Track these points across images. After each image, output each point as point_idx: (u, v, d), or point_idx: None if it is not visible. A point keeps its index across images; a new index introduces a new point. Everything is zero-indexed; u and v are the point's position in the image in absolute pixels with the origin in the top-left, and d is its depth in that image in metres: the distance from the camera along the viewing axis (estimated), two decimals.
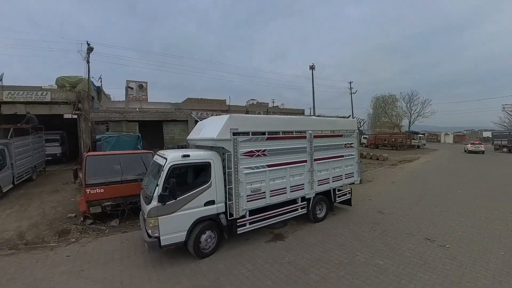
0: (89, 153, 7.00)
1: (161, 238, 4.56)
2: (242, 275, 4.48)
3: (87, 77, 13.53)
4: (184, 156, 4.92)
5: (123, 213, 7.02)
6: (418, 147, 36.37)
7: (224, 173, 5.28)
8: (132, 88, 19.41)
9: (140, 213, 6.07)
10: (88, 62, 13.30)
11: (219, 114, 18.68)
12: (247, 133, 5.44)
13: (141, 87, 20.16)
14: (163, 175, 4.62)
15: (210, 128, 5.62)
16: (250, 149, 5.44)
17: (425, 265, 4.82)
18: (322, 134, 7.15)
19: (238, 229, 5.41)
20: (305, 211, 6.71)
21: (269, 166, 5.75)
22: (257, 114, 19.34)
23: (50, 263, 5.00)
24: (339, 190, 7.65)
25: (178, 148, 15.46)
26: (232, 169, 5.15)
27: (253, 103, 34.73)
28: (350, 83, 36.59)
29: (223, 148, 5.30)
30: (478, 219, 7.33)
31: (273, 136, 5.90)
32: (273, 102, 35.49)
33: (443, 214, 7.83)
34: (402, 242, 5.81)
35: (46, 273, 4.62)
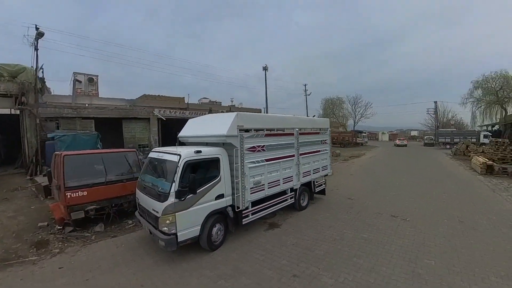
0: (67, 153, 6.41)
1: (178, 234, 4.69)
2: (258, 260, 4.97)
3: (34, 66, 11.69)
4: (197, 152, 5.14)
5: (108, 217, 6.67)
6: (362, 144, 41.77)
7: (231, 168, 5.68)
8: (80, 82, 17.21)
9: (137, 213, 5.99)
10: (36, 49, 11.52)
11: (183, 113, 18.33)
12: (250, 130, 5.94)
13: (91, 80, 18.01)
14: (179, 170, 4.78)
15: (216, 124, 5.90)
16: (252, 145, 5.96)
17: (396, 234, 6.13)
18: (305, 132, 8.07)
19: (243, 220, 5.87)
20: (293, 201, 7.53)
21: (267, 160, 6.37)
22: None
23: (41, 278, 4.54)
24: (316, 181, 8.73)
25: (140, 147, 14.70)
26: (239, 164, 5.59)
27: (206, 102, 34.57)
28: (305, 85, 39.62)
29: (224, 144, 5.68)
30: (423, 198, 9.33)
31: (270, 133, 6.53)
32: (232, 101, 35.92)
33: (397, 196, 9.66)
34: (374, 220, 7.11)
35: None
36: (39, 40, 11.46)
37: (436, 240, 5.78)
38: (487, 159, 16.18)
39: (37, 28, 11.56)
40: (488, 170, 14.70)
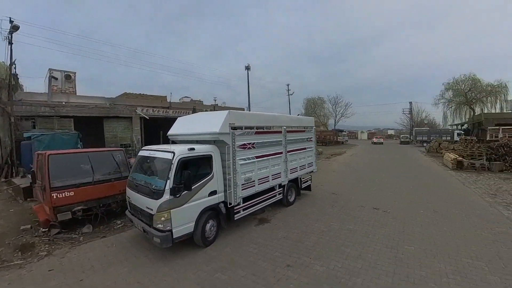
0: (51, 152, 6.21)
1: (173, 230, 4.77)
2: (252, 253, 5.17)
3: (8, 62, 11.00)
4: (190, 149, 5.24)
5: (96, 217, 6.56)
6: (343, 143, 43.32)
7: (223, 165, 5.83)
8: (56, 79, 16.28)
9: (127, 212, 5.97)
10: (10, 43, 10.84)
11: (166, 111, 18.07)
12: (241, 128, 6.12)
13: (68, 77, 17.10)
14: (173, 168, 4.86)
15: (208, 122, 6.01)
16: (243, 142, 6.15)
17: (379, 224, 6.61)
18: (292, 130, 8.38)
19: (235, 216, 6.04)
20: (282, 197, 7.81)
21: (257, 157, 6.58)
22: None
23: (31, 281, 4.42)
24: (303, 178, 9.08)
25: (122, 147, 14.35)
26: (231, 161, 5.75)
27: (187, 101, 34.19)
28: (288, 85, 40.28)
29: (215, 141, 5.82)
30: (401, 192, 10.02)
31: (260, 130, 6.75)
32: (215, 100, 35.76)
33: (378, 191, 10.27)
34: (358, 212, 7.57)
35: None
36: (14, 34, 10.83)
37: (414, 228, 6.31)
38: (457, 155, 17.49)
39: (11, 21, 10.91)
40: (458, 166, 15.95)
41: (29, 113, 11.50)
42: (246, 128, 6.30)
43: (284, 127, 7.75)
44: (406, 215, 7.30)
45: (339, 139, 42.75)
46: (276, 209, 7.95)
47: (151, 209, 4.87)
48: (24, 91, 15.84)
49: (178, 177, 4.88)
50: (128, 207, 5.97)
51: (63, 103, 13.87)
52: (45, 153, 6.12)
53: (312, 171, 9.74)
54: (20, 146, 10.32)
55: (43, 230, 6.11)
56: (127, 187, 5.92)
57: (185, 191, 4.92)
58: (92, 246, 5.71)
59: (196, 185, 5.21)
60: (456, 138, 34.23)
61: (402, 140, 46.28)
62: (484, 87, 34.01)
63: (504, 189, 10.35)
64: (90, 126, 13.97)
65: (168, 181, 4.79)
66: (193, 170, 5.32)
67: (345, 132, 49.52)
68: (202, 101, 35.87)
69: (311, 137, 9.47)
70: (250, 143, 6.36)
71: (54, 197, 5.91)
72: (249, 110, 33.64)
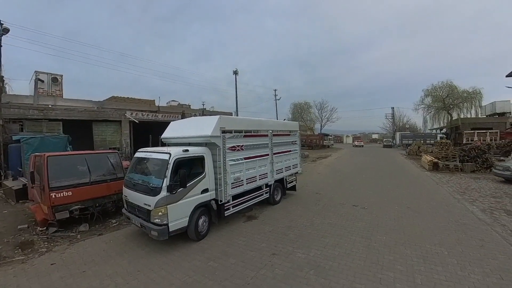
0: (50, 154, 6.57)
1: (169, 224, 5.31)
2: (241, 245, 5.76)
3: None
4: (185, 150, 5.82)
5: (92, 216, 6.96)
6: (328, 146, 44.77)
7: (214, 166, 6.42)
8: (42, 81, 16.17)
9: (124, 210, 6.42)
10: (0, 45, 10.95)
11: (155, 115, 18.40)
12: (230, 131, 6.75)
13: (55, 80, 16.99)
14: (170, 167, 5.41)
15: (200, 126, 6.59)
16: (233, 145, 6.78)
17: (357, 218, 7.36)
18: (278, 133, 9.09)
19: (225, 212, 6.63)
20: (268, 196, 8.47)
21: (245, 158, 7.22)
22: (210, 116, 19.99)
23: (35, 274, 4.79)
24: (288, 178, 9.78)
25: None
26: (222, 161, 6.37)
27: (174, 104, 34.44)
28: (275, 90, 41.39)
29: (206, 143, 6.41)
30: (380, 191, 10.92)
31: (248, 134, 7.41)
32: (203, 104, 36.18)
33: (358, 190, 11.14)
34: (339, 209, 8.32)
35: (41, 282, 4.49)
36: (3, 37, 10.95)
37: (387, 222, 7.10)
38: (433, 157, 18.84)
39: (1, 24, 11.04)
40: (434, 167, 17.25)
41: (16, 115, 11.60)
42: (236, 131, 6.94)
43: (271, 131, 8.45)
44: (381, 210, 8.11)
45: (325, 143, 44.24)
46: (263, 207, 8.59)
47: (149, 205, 5.38)
48: (8, 93, 15.69)
49: (174, 176, 5.44)
50: (125, 206, 6.43)
51: (50, 106, 13.96)
52: (44, 154, 6.49)
53: (297, 172, 10.48)
54: (7, 149, 10.43)
55: (41, 229, 6.45)
56: (124, 187, 6.39)
57: (181, 189, 5.48)
58: (91, 242, 6.13)
59: (190, 183, 5.78)
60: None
61: (385, 144, 48.46)
62: (460, 93, 36.35)
63: (472, 187, 11.45)
64: (79, 129, 14.12)
65: (165, 179, 5.34)
66: (187, 169, 5.89)
67: (330, 136, 51.32)
68: (190, 105, 36.23)
69: (295, 141, 10.23)
70: (239, 145, 7.00)
71: (53, 196, 6.29)
72: (237, 115, 34.30)
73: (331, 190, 11.32)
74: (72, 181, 6.64)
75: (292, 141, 9.96)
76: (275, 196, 8.93)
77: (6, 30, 11.07)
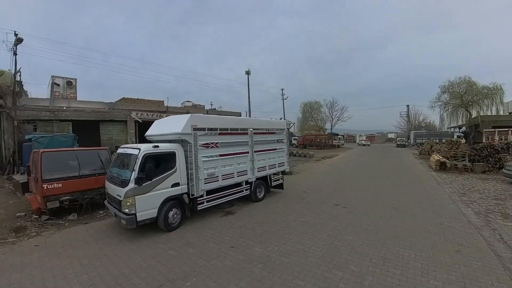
0: (44, 150, 7.28)
1: (137, 214, 5.71)
2: (206, 237, 6.02)
3: (12, 70, 12.31)
4: (155, 146, 6.22)
5: (80, 207, 7.56)
6: (338, 146, 43.82)
7: (186, 161, 6.74)
8: (58, 85, 17.59)
9: (106, 202, 6.93)
10: (15, 54, 12.15)
11: (161, 115, 19.19)
12: (203, 129, 7.03)
13: (70, 84, 18.47)
14: (138, 162, 5.81)
15: (174, 124, 6.97)
16: (206, 142, 7.06)
17: (332, 218, 7.26)
18: (260, 132, 9.22)
19: (198, 206, 6.93)
20: (249, 192, 8.65)
21: (220, 155, 7.47)
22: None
23: (19, 252, 5.43)
24: (273, 177, 9.88)
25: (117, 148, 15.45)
26: (193, 157, 6.66)
27: (189, 105, 35.41)
28: (282, 90, 41.29)
29: (183, 141, 6.72)
30: (371, 190, 10.67)
31: (223, 132, 7.64)
32: (211, 104, 36.97)
33: (348, 189, 11.00)
34: (318, 208, 8.30)
35: (22, 259, 5.08)
36: (18, 46, 12.13)
37: (363, 221, 6.84)
38: (442, 157, 17.98)
39: (16, 34, 12.24)
40: (442, 167, 16.40)
41: (31, 117, 12.75)
42: (210, 129, 7.20)
43: (251, 129, 8.62)
44: (363, 210, 7.87)
45: (334, 142, 43.38)
46: (244, 203, 8.78)
47: (120, 196, 5.83)
48: (28, 96, 17.19)
49: (142, 170, 5.82)
50: (106, 197, 6.94)
51: (64, 108, 15.08)
52: (39, 150, 7.19)
53: (284, 171, 10.54)
54: (22, 147, 11.46)
55: (35, 216, 7.14)
56: (106, 180, 6.91)
57: (148, 182, 5.85)
58: (75, 230, 6.71)
59: (160, 177, 6.14)
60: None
61: (398, 143, 46.42)
62: (480, 90, 34.15)
63: (476, 188, 10.75)
64: (88, 129, 15.15)
65: (134, 172, 5.75)
66: (159, 164, 6.27)
67: (341, 136, 50.21)
68: (203, 106, 37.05)
69: (282, 139, 10.31)
70: (213, 142, 7.26)
71: (45, 187, 6.96)
72: (249, 114, 34.60)
73: (320, 189, 11.27)
74: (63, 174, 7.26)
75: (278, 139, 10.05)
76: (257, 194, 9.09)
77: (20, 40, 12.22)
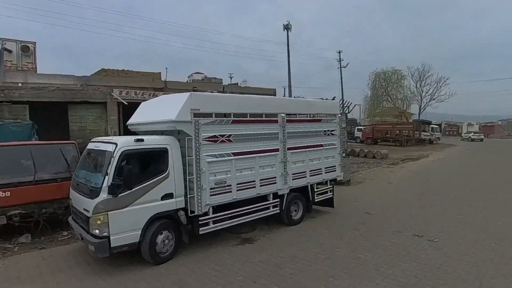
0: None
1: (111, 238, 5.99)
2: (209, 275, 6.21)
3: None
4: (138, 140, 6.48)
5: (36, 225, 8.16)
6: (431, 141, 41.81)
7: (184, 162, 6.96)
8: (10, 52, 18.75)
9: (70, 218, 7.43)
10: None
11: (156, 94, 19.91)
12: (209, 115, 7.19)
13: (26, 49, 19.40)
14: (114, 162, 6.10)
15: (166, 108, 7.21)
16: (213, 134, 7.22)
17: (408, 255, 7.07)
18: (297, 119, 9.20)
19: (200, 229, 7.13)
20: (278, 211, 8.70)
21: (235, 154, 7.60)
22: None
23: None
24: (317, 187, 9.83)
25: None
26: (194, 157, 6.84)
27: (198, 78, 36.26)
28: (339, 53, 40.33)
29: (179, 132, 6.95)
30: (479, 216, 10.14)
31: (239, 119, 7.76)
32: (231, 77, 37.48)
33: (439, 213, 10.60)
34: (387, 239, 8.14)
35: None
36: None
37: (459, 266, 6.41)
38: None
39: None
40: None
41: None
42: (219, 115, 7.35)
43: (283, 115, 8.63)
44: (460, 247, 7.49)
45: (424, 135, 41.51)
46: (273, 227, 8.92)
47: (88, 211, 6.17)
48: None
49: (119, 174, 6.09)
50: (71, 212, 7.44)
51: (19, 84, 16.09)
52: None
53: (335, 179, 10.44)
54: None
55: None
56: (70, 188, 7.39)
57: (127, 191, 6.14)
58: (27, 257, 7.30)
59: (144, 184, 6.41)
60: None
61: None
62: None
63: None
64: (53, 114, 16.00)
65: (107, 177, 6.03)
66: (144, 166, 6.55)
67: (436, 125, 47.42)
68: (220, 80, 37.69)
69: (332, 130, 10.19)
70: (224, 134, 7.40)
71: None
72: (290, 91, 34.38)
73: (392, 209, 11.06)
74: (11, 179, 7.84)
75: (325, 131, 9.96)
76: (291, 213, 9.15)
77: None
